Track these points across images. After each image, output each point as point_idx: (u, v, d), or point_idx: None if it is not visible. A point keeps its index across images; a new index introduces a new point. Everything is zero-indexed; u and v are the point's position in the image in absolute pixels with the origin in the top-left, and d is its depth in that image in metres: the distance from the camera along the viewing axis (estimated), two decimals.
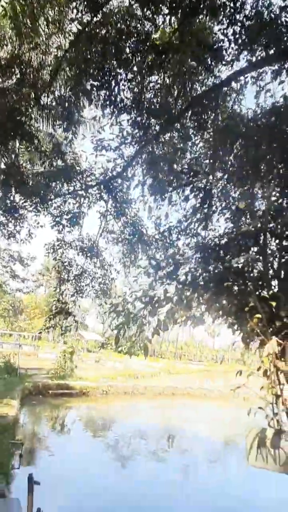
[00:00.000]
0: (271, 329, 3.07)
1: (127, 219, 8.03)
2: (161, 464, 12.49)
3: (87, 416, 20.62)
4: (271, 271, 3.74)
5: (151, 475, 11.26)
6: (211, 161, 4.99)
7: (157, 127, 5.68)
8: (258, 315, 3.01)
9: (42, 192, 7.25)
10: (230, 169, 4.78)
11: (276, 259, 3.85)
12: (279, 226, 3.93)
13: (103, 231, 8.14)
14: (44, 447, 13.20)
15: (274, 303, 3.08)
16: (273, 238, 4.08)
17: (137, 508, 8.69)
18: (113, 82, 5.13)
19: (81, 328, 41.45)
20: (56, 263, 8.50)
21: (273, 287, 3.40)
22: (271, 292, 3.12)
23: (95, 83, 5.11)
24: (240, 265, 3.52)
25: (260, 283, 3.45)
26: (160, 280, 4.54)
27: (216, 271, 3.63)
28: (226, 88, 5.35)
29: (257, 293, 3.20)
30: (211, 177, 4.83)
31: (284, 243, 3.81)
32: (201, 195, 4.76)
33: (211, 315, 3.63)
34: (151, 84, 5.46)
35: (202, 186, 4.40)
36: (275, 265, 3.82)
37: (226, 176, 4.93)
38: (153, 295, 4.45)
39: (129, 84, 5.26)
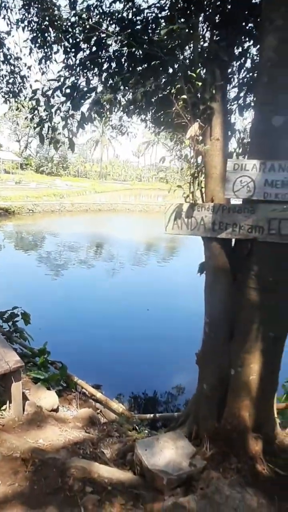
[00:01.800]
0: (194, 113, 3.10)
1: None
2: (91, 270, 14.34)
3: (16, 234, 21.47)
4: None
5: (82, 280, 13.06)
6: None
7: None
8: (184, 96, 2.97)
9: None
10: None
11: (207, 39, 3.54)
12: None
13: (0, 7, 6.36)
14: None
15: (199, 84, 3.01)
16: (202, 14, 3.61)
17: (70, 304, 10.33)
18: None
19: None
20: None
21: (200, 70, 3.23)
22: (198, 71, 2.99)
23: None
24: (170, 43, 3.17)
25: (189, 65, 3.23)
26: (81, 66, 4.00)
27: (143, 47, 3.25)
28: None
29: (184, 74, 3.04)
30: None
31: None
32: None
33: (136, 103, 3.47)
34: None
35: None
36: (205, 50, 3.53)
37: None
38: (75, 86, 4.03)
39: None
